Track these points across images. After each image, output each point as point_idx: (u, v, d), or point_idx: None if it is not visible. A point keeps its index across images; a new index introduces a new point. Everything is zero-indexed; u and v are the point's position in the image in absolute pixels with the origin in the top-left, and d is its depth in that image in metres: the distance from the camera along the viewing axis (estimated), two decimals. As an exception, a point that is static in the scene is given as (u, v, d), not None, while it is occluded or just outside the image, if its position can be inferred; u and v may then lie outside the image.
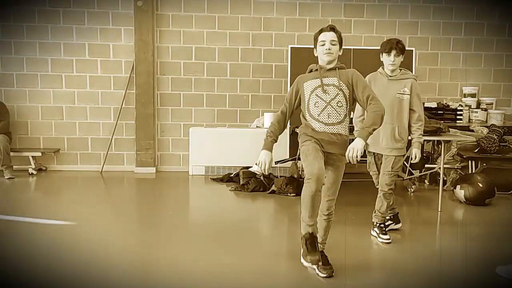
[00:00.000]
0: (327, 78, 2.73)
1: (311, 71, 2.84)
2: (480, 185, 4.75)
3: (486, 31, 6.70)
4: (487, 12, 6.70)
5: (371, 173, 3.78)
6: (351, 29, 6.58)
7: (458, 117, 6.22)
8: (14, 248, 3.32)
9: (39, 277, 2.82)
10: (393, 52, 3.43)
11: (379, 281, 2.86)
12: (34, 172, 6.18)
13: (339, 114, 2.69)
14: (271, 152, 2.71)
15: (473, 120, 6.40)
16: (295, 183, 5.21)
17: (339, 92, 2.68)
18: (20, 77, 6.40)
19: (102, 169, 6.47)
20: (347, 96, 2.70)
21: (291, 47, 6.07)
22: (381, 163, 3.62)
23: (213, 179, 5.99)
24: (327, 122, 2.67)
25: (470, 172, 5.36)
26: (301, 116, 2.83)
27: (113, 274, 2.87)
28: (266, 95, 6.64)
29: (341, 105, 2.68)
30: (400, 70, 3.55)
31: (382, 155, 3.59)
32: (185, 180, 6.06)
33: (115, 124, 6.46)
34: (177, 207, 4.72)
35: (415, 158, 3.51)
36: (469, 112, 6.45)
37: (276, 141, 2.77)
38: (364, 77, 2.98)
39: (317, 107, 2.70)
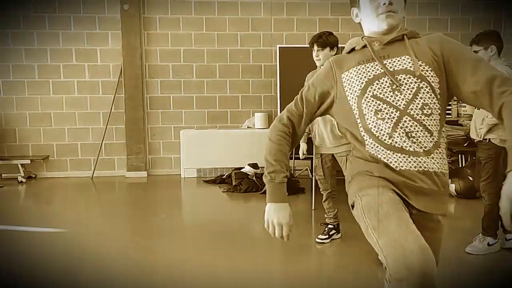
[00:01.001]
0: (391, 60, 1.42)
1: (352, 50, 1.52)
2: (471, 178, 4.79)
3: (472, 25, 6.77)
4: (472, 7, 6.77)
5: (316, 177, 3.55)
6: (339, 27, 6.61)
7: (446, 111, 6.27)
8: (5, 257, 3.27)
9: (32, 286, 2.78)
10: (315, 47, 3.29)
11: (372, 274, 2.87)
12: (24, 180, 6.10)
13: (430, 131, 1.38)
14: (287, 203, 1.51)
15: (462, 114, 6.45)
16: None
17: (422, 85, 1.38)
18: (6, 85, 6.32)
19: (93, 174, 6.41)
20: (438, 89, 1.39)
21: (279, 47, 6.07)
22: (328, 167, 3.45)
23: (206, 181, 5.97)
24: (408, 148, 1.37)
25: (460, 166, 5.41)
26: (349, 137, 1.52)
27: (107, 280, 2.85)
28: (256, 96, 6.64)
29: (430, 110, 1.37)
30: None
31: (330, 157, 3.43)
32: (177, 183, 6.04)
33: (105, 129, 6.41)
34: (170, 211, 4.70)
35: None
36: (457, 106, 6.50)
37: (287, 178, 1.52)
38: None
39: (383, 119, 1.38)
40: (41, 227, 3.99)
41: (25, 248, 3.46)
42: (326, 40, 3.28)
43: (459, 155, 5.48)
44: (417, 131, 1.37)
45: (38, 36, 6.28)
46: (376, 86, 1.40)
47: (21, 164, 6.11)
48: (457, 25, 6.73)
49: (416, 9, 6.71)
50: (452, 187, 4.86)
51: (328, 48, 3.30)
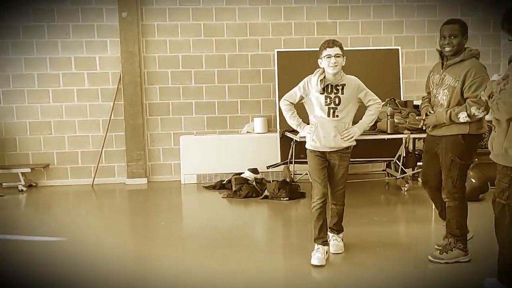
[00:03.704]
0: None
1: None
2: (473, 180, 4.75)
3: (471, 26, 6.72)
4: (471, 8, 6.74)
5: None
6: (337, 31, 6.60)
7: (447, 113, 6.23)
8: (6, 267, 3.26)
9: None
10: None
11: (373, 278, 2.84)
12: (24, 189, 6.09)
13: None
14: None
15: (463, 116, 6.41)
16: (287, 187, 5.18)
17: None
18: (6, 94, 6.33)
19: (93, 182, 6.40)
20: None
21: (277, 51, 6.06)
22: None
23: (206, 187, 5.95)
24: None
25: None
26: None
27: (105, 289, 2.83)
28: (255, 100, 6.62)
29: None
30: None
31: None
32: (177, 189, 6.02)
33: (105, 136, 6.41)
34: (170, 217, 4.68)
35: None
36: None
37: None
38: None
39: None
40: (42, 236, 3.97)
41: (26, 257, 3.45)
42: None
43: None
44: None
45: (38, 45, 6.30)
46: None
47: (21, 172, 6.11)
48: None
49: (415, 11, 6.70)
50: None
51: None
